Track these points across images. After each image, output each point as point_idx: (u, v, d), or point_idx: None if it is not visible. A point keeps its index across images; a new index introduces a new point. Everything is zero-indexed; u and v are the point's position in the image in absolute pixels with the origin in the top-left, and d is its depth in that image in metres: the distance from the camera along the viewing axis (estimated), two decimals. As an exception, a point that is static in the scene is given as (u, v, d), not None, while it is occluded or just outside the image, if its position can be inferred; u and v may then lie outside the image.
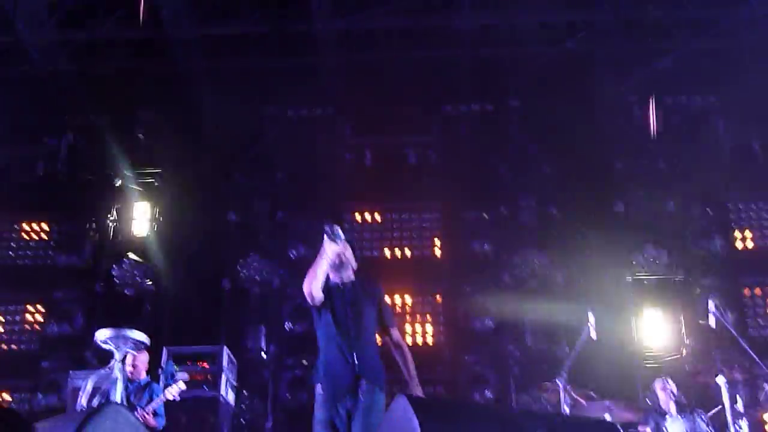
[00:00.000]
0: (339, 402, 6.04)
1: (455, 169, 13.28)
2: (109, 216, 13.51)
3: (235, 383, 11.44)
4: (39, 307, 13.34)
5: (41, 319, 13.25)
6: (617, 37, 12.93)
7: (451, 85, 13.42)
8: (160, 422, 9.02)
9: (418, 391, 6.32)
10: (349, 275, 6.49)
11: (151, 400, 8.99)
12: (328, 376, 6.15)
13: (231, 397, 11.22)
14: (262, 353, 12.72)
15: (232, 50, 13.25)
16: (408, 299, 13.00)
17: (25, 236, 13.83)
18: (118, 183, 13.60)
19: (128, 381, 8.69)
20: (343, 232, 6.33)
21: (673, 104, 13.67)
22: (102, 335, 7.70)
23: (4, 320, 13.32)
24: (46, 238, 13.82)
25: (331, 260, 6.25)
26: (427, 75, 12.91)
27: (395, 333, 6.59)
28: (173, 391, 9.06)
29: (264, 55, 13.11)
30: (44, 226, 13.87)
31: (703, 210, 13.08)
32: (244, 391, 11.97)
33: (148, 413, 8.83)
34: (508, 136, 13.62)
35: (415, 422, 3.65)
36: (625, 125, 13.50)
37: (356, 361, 6.09)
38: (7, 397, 12.62)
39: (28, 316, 13.33)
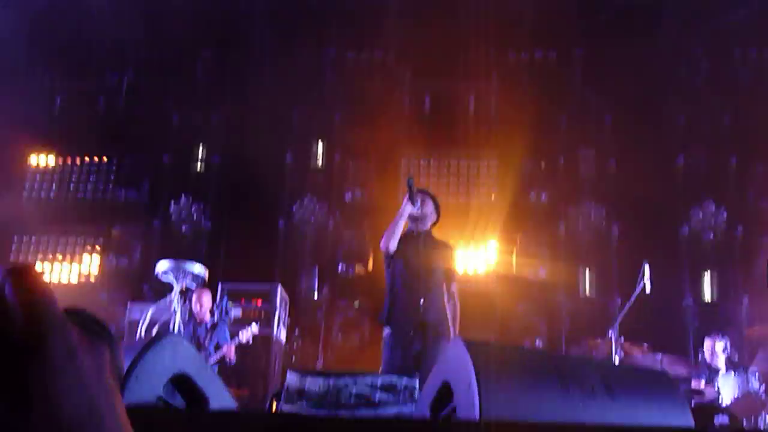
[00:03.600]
0: (407, 345, 6.31)
1: (515, 117, 13.12)
2: (167, 153, 13.67)
3: (287, 321, 11.57)
4: (99, 240, 13.55)
5: (100, 252, 13.48)
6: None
7: (515, 32, 13.20)
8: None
9: None
10: (425, 225, 6.76)
11: (218, 341, 9.15)
12: (396, 320, 6.45)
13: (283, 335, 11.35)
14: (315, 294, 12.86)
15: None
16: (462, 246, 12.96)
17: (86, 170, 14.01)
18: (177, 120, 13.75)
19: (195, 323, 8.86)
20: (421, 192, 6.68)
21: (742, 58, 13.35)
22: (162, 267, 7.85)
23: (64, 252, 13.57)
24: (106, 172, 13.97)
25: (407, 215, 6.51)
26: (490, 21, 12.71)
27: (453, 287, 6.80)
28: (246, 335, 9.25)
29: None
30: (104, 160, 14.03)
31: (766, 168, 12.82)
32: (296, 330, 12.11)
33: (230, 349, 9.03)
34: (570, 86, 13.41)
35: (470, 365, 3.65)
36: (691, 78, 13.22)
37: (423, 307, 6.36)
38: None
39: (88, 249, 13.56)
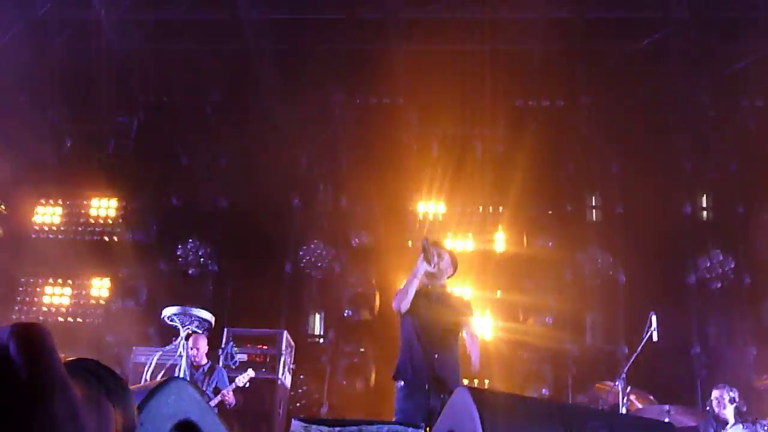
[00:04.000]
0: (420, 398, 6.25)
1: (522, 163, 13.15)
2: (176, 195, 13.73)
3: (292, 366, 11.54)
4: (105, 282, 13.56)
5: (107, 295, 13.47)
6: (692, 36, 12.66)
7: (522, 80, 13.29)
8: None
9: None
10: (441, 281, 6.74)
11: (217, 384, 9.25)
12: (409, 372, 6.39)
13: (288, 380, 11.32)
14: (320, 339, 12.83)
15: (304, 34, 13.28)
16: (468, 293, 12.94)
17: (94, 212, 14.05)
18: (186, 162, 13.83)
19: (192, 367, 8.92)
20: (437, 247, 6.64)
21: (749, 106, 13.41)
22: (168, 312, 7.87)
23: (71, 294, 13.57)
24: (114, 214, 14.00)
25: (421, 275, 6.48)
26: (498, 68, 12.80)
27: (470, 328, 6.70)
28: (243, 380, 9.35)
29: (335, 41, 13.12)
30: (113, 202, 14.07)
31: (774, 216, 12.82)
32: (301, 375, 12.06)
33: (228, 393, 9.12)
34: (577, 133, 13.46)
35: (476, 415, 3.64)
36: (697, 126, 13.26)
37: (437, 361, 6.33)
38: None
39: (94, 292, 13.56)
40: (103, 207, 14.02)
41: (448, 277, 6.86)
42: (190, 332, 8.19)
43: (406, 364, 6.45)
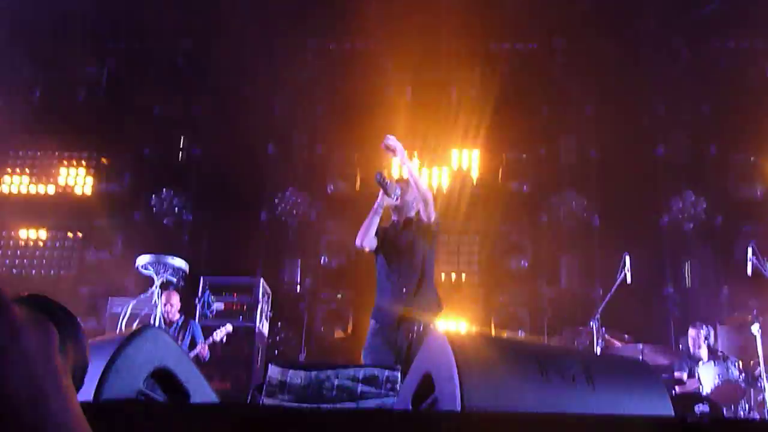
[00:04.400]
0: (389, 335, 6.18)
1: (497, 107, 13.11)
2: (148, 145, 13.60)
3: (270, 314, 11.57)
4: (79, 234, 13.48)
5: (81, 246, 13.40)
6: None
7: (496, 23, 13.19)
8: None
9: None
10: (409, 213, 6.57)
11: (193, 338, 9.26)
12: (380, 310, 6.34)
13: (266, 327, 11.36)
14: (297, 286, 12.85)
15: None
16: (443, 236, 12.95)
17: (65, 164, 13.91)
18: (158, 112, 13.68)
19: (165, 324, 8.92)
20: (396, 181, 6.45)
21: (721, 48, 13.42)
22: (143, 260, 7.84)
23: (45, 246, 13.49)
24: (86, 166, 13.87)
25: (382, 210, 6.34)
26: (472, 11, 12.70)
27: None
28: (220, 334, 9.37)
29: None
30: (84, 154, 13.94)
31: (746, 156, 12.90)
32: (279, 323, 12.10)
33: (204, 347, 9.13)
34: (551, 76, 13.42)
35: (451, 357, 3.66)
36: (670, 68, 13.27)
37: (405, 293, 6.24)
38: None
39: (69, 243, 13.48)
40: (75, 158, 13.87)
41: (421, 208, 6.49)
42: (165, 281, 8.16)
43: (378, 303, 6.41)
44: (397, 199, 6.36)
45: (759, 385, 8.57)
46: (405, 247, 6.43)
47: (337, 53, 13.92)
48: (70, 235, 13.53)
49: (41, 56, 13.68)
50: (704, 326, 9.64)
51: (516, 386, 3.66)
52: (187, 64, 13.79)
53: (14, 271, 13.26)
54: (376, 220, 6.35)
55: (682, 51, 13.28)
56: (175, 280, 8.92)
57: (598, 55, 13.11)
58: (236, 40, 13.54)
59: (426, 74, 13.61)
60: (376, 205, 6.36)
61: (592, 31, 13.05)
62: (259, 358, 10.91)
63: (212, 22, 13.29)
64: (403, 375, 5.88)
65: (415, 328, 6.13)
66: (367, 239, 6.34)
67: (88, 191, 13.63)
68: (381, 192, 6.32)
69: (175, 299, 9.37)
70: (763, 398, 8.44)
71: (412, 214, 6.58)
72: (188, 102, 13.70)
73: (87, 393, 3.29)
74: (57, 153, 13.87)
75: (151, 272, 7.80)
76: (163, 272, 7.81)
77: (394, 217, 6.58)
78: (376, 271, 6.56)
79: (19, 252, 13.44)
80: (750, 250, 8.61)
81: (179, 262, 7.89)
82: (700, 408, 7.95)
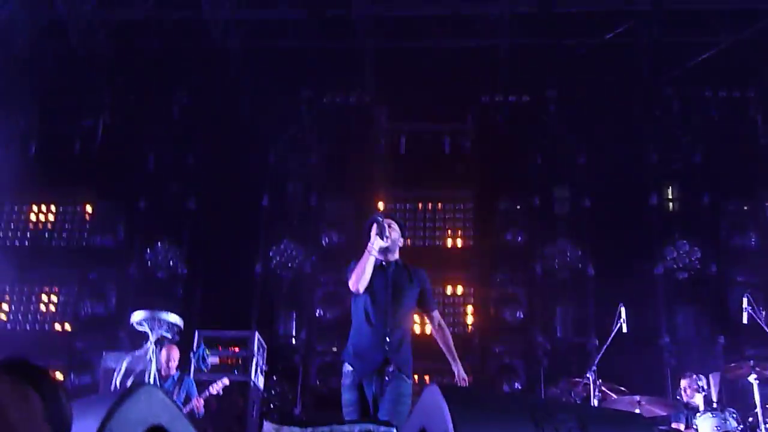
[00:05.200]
0: (366, 383, 5.94)
1: (490, 158, 13.20)
2: (143, 197, 13.61)
3: (265, 368, 11.50)
4: (73, 287, 13.45)
5: (75, 300, 13.36)
6: (657, 29, 12.77)
7: (489, 75, 13.34)
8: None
9: (461, 371, 6.43)
10: (394, 254, 6.38)
11: (188, 393, 9.22)
12: (358, 356, 6.06)
13: (261, 381, 11.29)
14: (293, 339, 12.80)
15: (270, 32, 13.25)
16: (439, 288, 12.95)
17: (61, 217, 13.93)
18: (153, 163, 13.74)
19: (160, 378, 8.88)
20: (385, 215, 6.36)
21: (712, 97, 13.53)
22: (137, 317, 7.81)
23: (39, 300, 13.44)
24: (81, 219, 13.90)
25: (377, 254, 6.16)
26: (464, 64, 12.86)
27: (437, 315, 6.51)
28: (217, 387, 9.32)
29: (302, 38, 13.09)
30: (78, 207, 13.98)
31: (739, 205, 12.96)
32: (274, 376, 12.03)
33: (199, 401, 9.08)
34: (544, 127, 13.51)
35: (446, 411, 3.66)
36: (662, 118, 13.38)
37: (388, 344, 5.98)
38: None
39: (63, 297, 13.45)
40: (70, 211, 13.91)
41: (399, 247, 6.42)
42: (160, 337, 8.14)
43: (355, 347, 6.12)
44: (387, 240, 6.16)
45: (757, 436, 8.50)
46: (393, 290, 6.20)
47: (331, 106, 13.99)
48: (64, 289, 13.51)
49: (37, 111, 13.75)
50: (696, 376, 9.60)
51: (511, 441, 3.65)
52: (182, 115, 13.87)
53: (8, 326, 13.21)
54: (372, 261, 6.11)
55: (673, 101, 13.40)
56: (170, 335, 8.89)
57: (591, 106, 13.23)
58: (230, 91, 13.67)
59: (419, 125, 13.70)
60: (370, 247, 6.12)
61: (584, 81, 13.18)
62: (255, 412, 10.82)
63: (206, 74, 13.41)
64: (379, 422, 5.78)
65: (393, 374, 5.92)
66: (363, 282, 6.07)
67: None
68: (374, 234, 6.13)
69: (175, 353, 9.34)
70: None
71: (398, 255, 6.41)
72: (182, 154, 13.75)
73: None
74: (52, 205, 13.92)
75: (145, 328, 7.76)
76: (158, 328, 7.78)
77: (379, 257, 6.28)
78: (354, 310, 6.29)
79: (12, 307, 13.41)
80: (746, 300, 8.62)
81: (174, 318, 7.86)
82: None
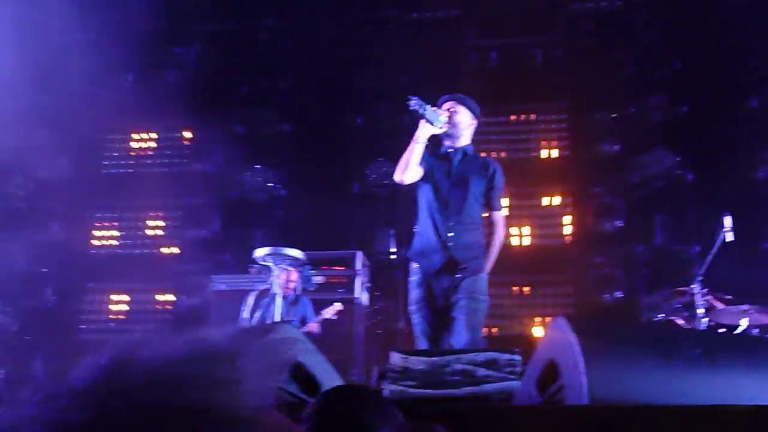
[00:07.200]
0: (435, 280, 5.74)
1: (583, 68, 13.00)
2: (238, 122, 13.82)
3: (368, 285, 11.76)
4: (177, 212, 13.87)
5: (180, 224, 13.80)
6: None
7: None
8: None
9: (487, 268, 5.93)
10: (461, 142, 5.99)
11: (304, 314, 9.57)
12: (422, 253, 5.83)
13: (365, 298, 11.56)
14: (393, 255, 13.01)
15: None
16: (535, 200, 12.97)
17: (161, 144, 14.33)
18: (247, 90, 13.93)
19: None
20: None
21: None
22: (260, 253, 8.05)
23: (145, 226, 13.94)
24: (180, 145, 14.26)
25: (425, 141, 5.74)
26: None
27: (498, 217, 6.09)
28: (332, 312, 9.66)
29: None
30: (176, 134, 14.34)
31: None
32: (377, 293, 12.29)
33: (316, 324, 9.43)
34: (637, 33, 13.21)
35: (576, 344, 3.77)
36: (760, 18, 12.92)
37: (450, 241, 5.71)
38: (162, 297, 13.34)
39: (169, 221, 13.90)
40: (169, 137, 14.30)
41: (473, 132, 6.05)
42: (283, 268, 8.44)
43: (419, 244, 5.87)
44: (443, 127, 5.73)
45: None
46: (457, 180, 5.85)
47: (418, 22, 13.89)
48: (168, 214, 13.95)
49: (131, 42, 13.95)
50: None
51: (640, 372, 3.77)
52: (272, 40, 13.96)
53: (119, 252, 13.70)
54: (419, 150, 5.73)
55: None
56: (290, 270, 9.24)
57: (685, 9, 12.86)
58: (316, 13, 13.65)
59: (509, 38, 13.53)
60: (416, 136, 5.73)
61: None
62: (361, 329, 11.13)
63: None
64: (439, 315, 5.62)
65: (461, 271, 5.70)
66: (408, 172, 5.75)
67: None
68: (422, 120, 5.69)
69: (294, 275, 9.70)
70: None
71: (469, 141, 6.03)
72: (275, 78, 13.89)
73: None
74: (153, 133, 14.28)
75: (269, 263, 8.02)
76: (281, 262, 8.04)
77: (446, 143, 5.98)
78: (420, 201, 6.01)
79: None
80: None
81: (296, 253, 8.10)
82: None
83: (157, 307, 13.27)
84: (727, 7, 12.82)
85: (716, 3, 12.82)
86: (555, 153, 13.26)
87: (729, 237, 8.64)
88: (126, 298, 13.37)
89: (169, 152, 14.27)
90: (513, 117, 13.48)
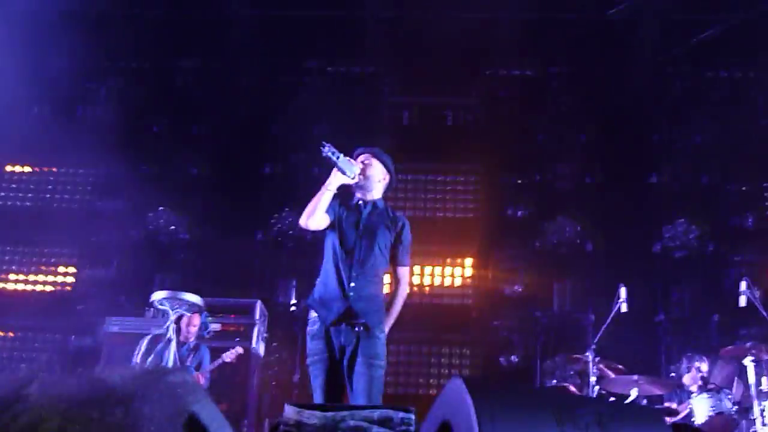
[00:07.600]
0: (334, 333, 5.54)
1: (493, 132, 13.25)
2: (146, 162, 13.59)
3: (266, 335, 11.61)
4: (75, 250, 13.50)
5: (77, 263, 13.42)
6: (660, 6, 12.76)
7: (493, 49, 13.33)
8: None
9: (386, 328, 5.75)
10: (372, 195, 5.86)
11: (200, 363, 9.39)
12: (322, 303, 5.61)
13: (261, 348, 11.40)
14: (292, 307, 12.89)
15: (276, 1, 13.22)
16: (439, 260, 13.06)
17: (65, 180, 13.97)
18: (157, 129, 13.75)
19: (179, 343, 9.03)
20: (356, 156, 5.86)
21: (713, 78, 13.59)
22: (158, 296, 7.87)
23: (41, 263, 13.49)
24: (85, 182, 13.94)
25: (335, 189, 5.59)
26: (469, 37, 12.82)
27: (402, 273, 5.91)
28: (232, 356, 9.50)
29: (309, 6, 13.03)
30: (81, 171, 14.00)
31: (738, 186, 13.06)
32: (274, 343, 12.14)
33: (205, 374, 9.26)
34: (548, 103, 13.56)
35: (471, 405, 3.75)
36: (664, 97, 13.45)
37: (351, 291, 5.53)
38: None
39: (64, 259, 13.51)
40: (73, 174, 13.96)
41: (387, 189, 5.95)
42: (180, 315, 8.25)
43: (319, 292, 5.63)
44: (355, 177, 5.59)
45: (751, 417, 8.66)
46: (364, 232, 5.68)
47: (335, 76, 13.98)
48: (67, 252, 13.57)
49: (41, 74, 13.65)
50: (698, 357, 9.75)
51: (533, 435, 3.76)
52: (187, 83, 13.85)
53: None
54: (328, 197, 5.56)
55: (675, 80, 13.45)
56: (189, 314, 9.08)
57: (593, 83, 13.28)
58: (235, 59, 13.63)
59: (423, 98, 13.72)
60: (327, 183, 5.56)
61: (588, 58, 13.21)
62: (255, 379, 10.95)
63: (214, 41, 13.36)
64: (336, 369, 5.53)
65: (358, 330, 5.51)
66: (314, 218, 5.56)
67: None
68: (334, 168, 5.54)
69: (196, 320, 9.53)
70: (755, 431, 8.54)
71: (380, 195, 5.91)
72: (188, 122, 13.76)
73: None
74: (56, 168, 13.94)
75: (166, 307, 7.84)
76: (178, 307, 7.86)
77: (358, 195, 5.84)
78: (324, 249, 5.78)
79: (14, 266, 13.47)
80: (744, 284, 8.74)
81: (194, 298, 7.93)
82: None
83: (47, 345, 12.83)
84: (637, 85, 13.30)
85: (629, 80, 13.27)
86: (460, 215, 13.39)
87: (624, 308, 8.84)
88: (11, 334, 12.90)
89: (69, 187, 13.89)
90: (423, 176, 13.58)
